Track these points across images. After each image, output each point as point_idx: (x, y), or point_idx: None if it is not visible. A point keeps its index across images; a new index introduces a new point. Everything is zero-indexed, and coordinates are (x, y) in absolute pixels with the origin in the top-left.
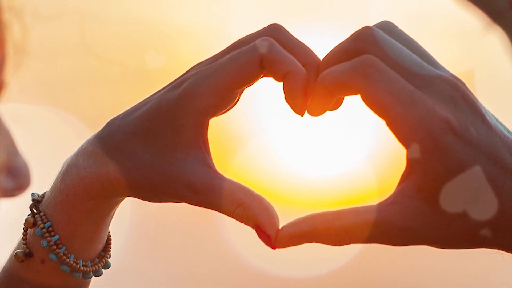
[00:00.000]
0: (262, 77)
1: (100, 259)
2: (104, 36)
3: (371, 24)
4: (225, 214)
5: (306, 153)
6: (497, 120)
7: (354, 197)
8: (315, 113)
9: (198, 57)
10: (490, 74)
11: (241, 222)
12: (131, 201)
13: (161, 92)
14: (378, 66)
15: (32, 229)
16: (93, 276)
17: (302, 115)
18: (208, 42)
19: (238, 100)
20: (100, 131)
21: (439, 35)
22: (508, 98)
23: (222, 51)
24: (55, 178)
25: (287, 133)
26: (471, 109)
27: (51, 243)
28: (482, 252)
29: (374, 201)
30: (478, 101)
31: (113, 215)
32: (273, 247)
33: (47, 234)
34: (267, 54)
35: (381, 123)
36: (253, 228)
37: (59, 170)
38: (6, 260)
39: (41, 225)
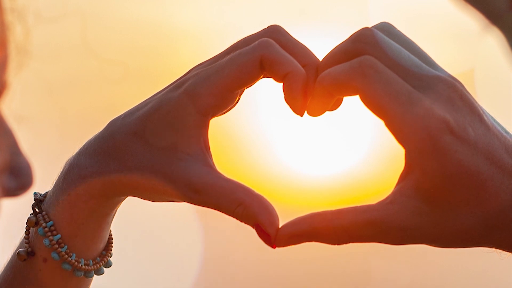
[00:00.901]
0: (262, 78)
1: (101, 258)
2: (106, 37)
3: (370, 25)
4: (225, 213)
5: (305, 153)
6: (494, 120)
7: (353, 197)
8: (314, 113)
9: (199, 58)
10: (488, 74)
11: (241, 221)
12: (132, 201)
13: (162, 92)
14: (377, 67)
15: (35, 228)
16: (94, 275)
17: (301, 116)
18: (209, 43)
19: (238, 100)
20: (101, 131)
21: (437, 36)
22: (506, 98)
23: (223, 52)
24: (57, 177)
25: (287, 133)
26: (469, 109)
27: (53, 242)
28: (480, 251)
29: (373, 200)
30: (476, 102)
31: (114, 214)
32: (273, 246)
33: (49, 233)
34: (267, 55)
35: (380, 123)
36: (253, 227)
37: (61, 170)
38: (9, 259)
39: (43, 224)
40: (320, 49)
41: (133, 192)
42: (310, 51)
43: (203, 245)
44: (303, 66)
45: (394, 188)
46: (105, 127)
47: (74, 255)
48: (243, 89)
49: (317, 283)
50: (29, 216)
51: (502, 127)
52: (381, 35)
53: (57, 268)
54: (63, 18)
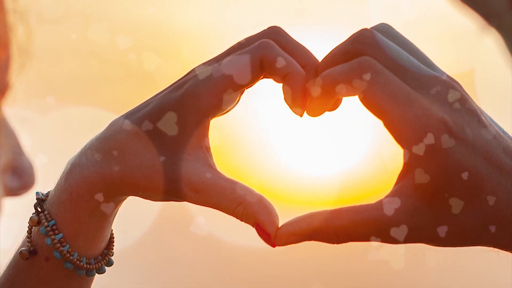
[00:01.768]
0: (262, 78)
1: (103, 257)
2: (107, 38)
3: (369, 26)
4: (225, 212)
5: (305, 153)
6: (492, 120)
7: (352, 196)
8: (314, 113)
9: (200, 59)
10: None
11: (242, 220)
12: (133, 200)
13: (163, 93)
14: (376, 68)
15: (37, 227)
16: (96, 274)
17: (301, 116)
18: (209, 44)
19: (238, 101)
20: (103, 131)
21: (437, 37)
22: (506, 98)
23: (223, 53)
24: (59, 177)
25: (287, 133)
26: (467, 110)
27: (55, 241)
28: (478, 250)
29: (372, 200)
30: (474, 102)
31: (116, 213)
32: (273, 245)
33: (51, 233)
34: (267, 56)
35: (378, 123)
36: (253, 227)
37: (63, 170)
38: (11, 258)
39: (45, 224)
40: (320, 50)
41: (134, 192)
42: (310, 52)
43: (203, 244)
44: (302, 67)
45: (393, 188)
46: (106, 127)
47: (76, 254)
48: (243, 89)
49: (317, 282)
50: (31, 215)
51: (500, 127)
52: (379, 36)
53: (59, 267)
54: (65, 19)
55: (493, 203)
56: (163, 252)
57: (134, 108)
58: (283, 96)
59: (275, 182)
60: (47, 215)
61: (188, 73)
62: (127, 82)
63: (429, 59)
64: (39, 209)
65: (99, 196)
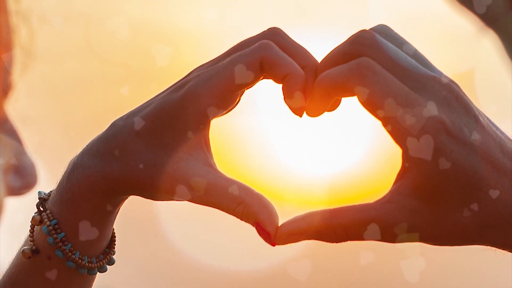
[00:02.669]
0: (262, 79)
1: (104, 256)
2: (109, 39)
3: (368, 27)
4: (226, 212)
5: (304, 153)
6: (490, 120)
7: (351, 196)
8: (313, 114)
9: (200, 59)
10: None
11: (242, 219)
12: (134, 200)
13: (164, 93)
14: (375, 68)
15: (39, 226)
16: (98, 272)
17: (300, 116)
18: (210, 45)
19: (238, 101)
20: (104, 131)
21: (437, 37)
22: (506, 98)
23: (223, 53)
24: (61, 177)
25: (286, 133)
26: (465, 110)
27: (57, 240)
28: (476, 249)
29: (371, 199)
30: (472, 103)
31: (117, 213)
32: (273, 244)
33: (53, 232)
34: (267, 56)
35: (377, 123)
36: (253, 226)
37: (65, 169)
38: (14, 257)
39: (48, 223)
40: (319, 51)
41: (135, 191)
42: (309, 53)
43: (204, 244)
44: (302, 68)
45: (391, 187)
46: (108, 128)
47: (78, 253)
48: (243, 90)
49: (316, 281)
50: (33, 214)
51: (497, 127)
52: (378, 37)
53: (61, 266)
54: (67, 20)
55: (491, 203)
56: (164, 251)
57: (135, 109)
58: (282, 96)
59: (275, 182)
60: (49, 214)
61: (188, 74)
62: (129, 83)
63: (427, 60)
64: (41, 209)
65: (101, 196)
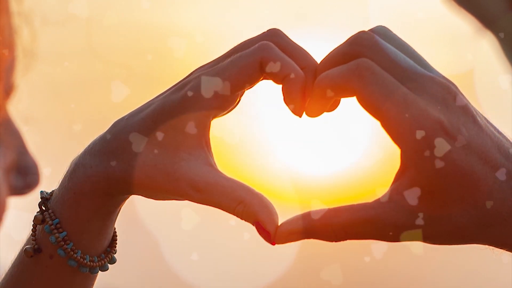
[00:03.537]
0: (261, 80)
1: (106, 255)
2: (110, 40)
3: (367, 28)
4: (226, 211)
5: (304, 153)
6: (487, 120)
7: (350, 195)
8: (313, 114)
9: (201, 60)
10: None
11: (242, 219)
12: (136, 199)
13: (165, 94)
14: (373, 69)
15: (41, 225)
16: (99, 271)
17: (300, 116)
18: (210, 46)
19: (239, 101)
20: (106, 131)
21: (437, 37)
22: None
23: (224, 54)
24: (63, 176)
25: (286, 133)
26: (463, 110)
27: (59, 239)
28: (474, 248)
29: (370, 198)
30: (469, 103)
31: (118, 212)
32: (273, 243)
33: (55, 231)
34: (267, 57)
35: (376, 124)
36: (253, 225)
37: (67, 169)
38: (16, 255)
39: (50, 222)
40: (318, 52)
41: (136, 191)
42: (309, 54)
43: (204, 242)
44: (301, 69)
45: (390, 187)
46: (109, 128)
47: (80, 251)
48: (243, 90)
49: (316, 280)
50: (35, 214)
51: (495, 128)
52: (377, 38)
53: (63, 264)
54: (69, 21)
55: (488, 202)
56: (165, 250)
57: (136, 109)
58: (282, 97)
59: (275, 182)
60: (51, 214)
61: (189, 75)
62: (129, 84)
63: (425, 60)
64: (44, 208)
65: (102, 195)
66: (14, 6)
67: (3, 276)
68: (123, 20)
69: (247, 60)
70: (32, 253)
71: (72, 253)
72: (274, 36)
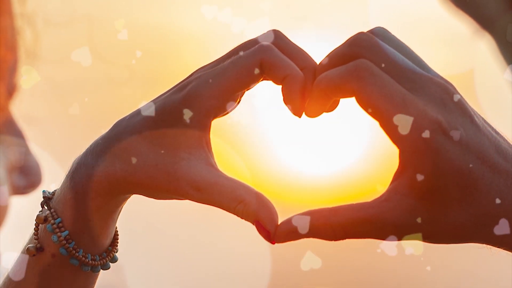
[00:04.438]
0: (261, 81)
1: (107, 254)
2: (112, 41)
3: (366, 30)
4: (226, 210)
5: (303, 153)
6: (485, 121)
7: (349, 194)
8: (312, 114)
9: (201, 61)
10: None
11: (242, 218)
12: (137, 199)
13: (166, 94)
14: (372, 70)
15: (43, 225)
16: (101, 270)
17: (299, 117)
18: (211, 47)
19: (239, 102)
20: (107, 131)
21: (435, 38)
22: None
23: (224, 55)
24: (65, 176)
25: (286, 133)
26: (461, 110)
27: (61, 238)
28: (472, 247)
29: (369, 198)
30: (467, 103)
31: (120, 211)
32: (272, 242)
33: (57, 230)
34: (267, 58)
35: (375, 124)
36: (253, 224)
37: (69, 169)
38: (19, 254)
39: (52, 221)
40: (318, 53)
41: (137, 190)
42: (308, 54)
43: (205, 241)
44: (301, 69)
45: (389, 186)
46: (111, 128)
47: (82, 250)
48: (243, 91)
49: (315, 279)
50: (38, 213)
51: (492, 128)
52: (376, 39)
53: (65, 263)
54: (71, 23)
55: (486, 202)
56: (165, 249)
57: (138, 109)
58: (282, 97)
59: (275, 181)
60: (54, 213)
61: (190, 75)
62: (131, 84)
63: (424, 61)
64: (46, 207)
65: (104, 195)
66: (17, 7)
67: (5, 275)
68: (125, 22)
69: (247, 61)
70: (35, 252)
71: (74, 252)
72: (273, 37)
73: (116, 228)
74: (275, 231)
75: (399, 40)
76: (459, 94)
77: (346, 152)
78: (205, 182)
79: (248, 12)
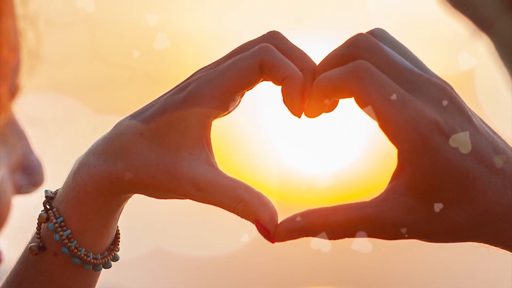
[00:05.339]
0: (261, 81)
1: (109, 252)
2: (113, 42)
3: (365, 31)
4: (227, 210)
5: (303, 152)
6: (482, 121)
7: (348, 194)
8: (311, 115)
9: (201, 62)
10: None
11: (242, 217)
12: (138, 198)
13: (167, 95)
14: (371, 71)
15: (46, 224)
16: (102, 268)
17: (299, 117)
18: (211, 48)
19: (239, 102)
20: (109, 131)
21: (431, 40)
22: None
23: (224, 56)
24: (67, 176)
25: (285, 133)
26: (458, 111)
27: (63, 237)
28: (470, 246)
29: (367, 198)
30: (465, 104)
31: (121, 210)
32: (272, 241)
33: (59, 229)
34: (267, 59)
35: (373, 124)
36: (253, 223)
37: (71, 169)
38: (21, 253)
39: (54, 220)
40: (317, 53)
41: (139, 190)
42: (308, 55)
43: (205, 241)
44: (300, 70)
45: (387, 186)
46: (112, 128)
47: (83, 249)
48: (243, 92)
49: (315, 278)
50: (40, 212)
51: (490, 128)
52: (374, 40)
53: (67, 262)
54: (73, 24)
55: (484, 201)
56: (166, 249)
57: (139, 110)
58: (282, 98)
59: (274, 181)
60: (56, 212)
61: (190, 76)
62: (132, 85)
63: (422, 62)
64: (48, 207)
65: (106, 194)
66: (19, 9)
67: (8, 273)
68: (126, 24)
69: (247, 61)
70: (37, 250)
71: (76, 250)
72: (273, 38)
73: (118, 227)
74: (275, 230)
75: (397, 41)
76: (457, 94)
77: (345, 152)
78: (205, 182)
79: (248, 13)
